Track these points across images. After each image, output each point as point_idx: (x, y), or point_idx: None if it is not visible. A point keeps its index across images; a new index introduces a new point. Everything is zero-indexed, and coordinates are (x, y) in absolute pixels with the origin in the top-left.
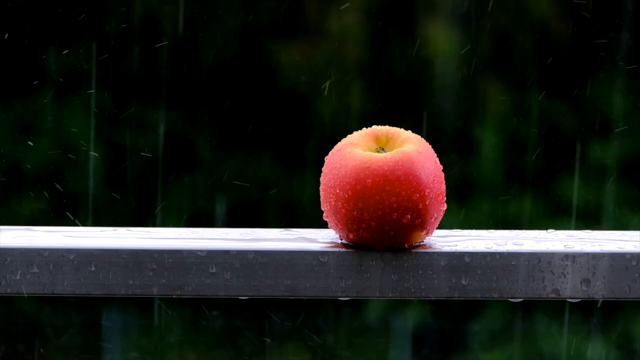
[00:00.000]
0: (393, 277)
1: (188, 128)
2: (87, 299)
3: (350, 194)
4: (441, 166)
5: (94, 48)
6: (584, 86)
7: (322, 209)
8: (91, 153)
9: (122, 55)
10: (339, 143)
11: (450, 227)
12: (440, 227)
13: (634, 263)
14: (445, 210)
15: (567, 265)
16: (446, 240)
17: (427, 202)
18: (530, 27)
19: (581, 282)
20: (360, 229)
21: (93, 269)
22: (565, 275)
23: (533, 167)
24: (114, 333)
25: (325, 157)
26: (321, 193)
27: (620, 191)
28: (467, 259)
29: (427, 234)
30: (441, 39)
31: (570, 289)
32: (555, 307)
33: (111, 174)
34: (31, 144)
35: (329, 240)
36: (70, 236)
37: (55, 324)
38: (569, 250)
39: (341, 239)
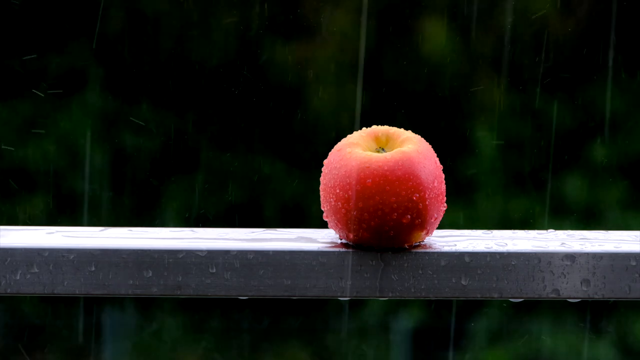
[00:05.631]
0: (393, 277)
1: (188, 128)
2: (87, 299)
3: (350, 194)
4: (441, 166)
5: (94, 48)
6: (584, 86)
7: (322, 209)
8: (91, 153)
9: (122, 55)
10: (338, 143)
11: (451, 227)
12: (440, 227)
13: (634, 263)
14: (446, 210)
15: (567, 265)
16: (446, 240)
17: (427, 202)
18: (530, 26)
19: (581, 282)
20: (360, 229)
21: (93, 269)
22: (565, 275)
23: (533, 167)
24: (114, 333)
25: (325, 158)
26: (321, 193)
27: (621, 191)
28: (467, 259)
29: (427, 234)
30: (440, 39)
31: (570, 289)
32: (555, 307)
33: (111, 173)
34: (31, 144)
35: (329, 240)
36: (70, 236)
37: (55, 324)
38: (569, 250)
39: (341, 239)
